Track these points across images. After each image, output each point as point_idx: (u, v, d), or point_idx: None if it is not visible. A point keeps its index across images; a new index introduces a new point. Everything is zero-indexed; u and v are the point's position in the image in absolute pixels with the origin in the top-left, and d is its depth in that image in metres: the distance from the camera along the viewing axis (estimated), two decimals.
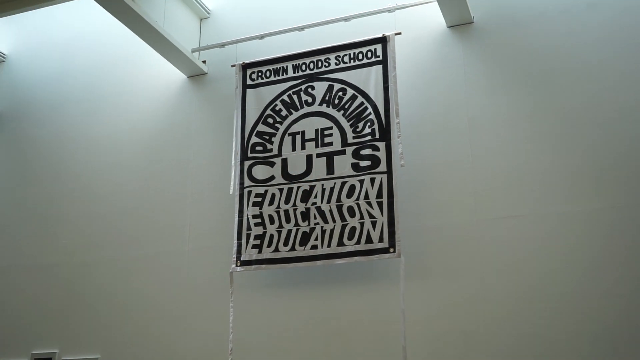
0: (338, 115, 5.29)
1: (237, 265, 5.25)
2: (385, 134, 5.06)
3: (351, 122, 5.22)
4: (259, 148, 5.49)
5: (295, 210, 5.20)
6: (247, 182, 5.42)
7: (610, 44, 4.91)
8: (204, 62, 6.24)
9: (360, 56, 5.35)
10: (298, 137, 5.39)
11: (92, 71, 6.81)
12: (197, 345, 5.51)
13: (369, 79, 5.25)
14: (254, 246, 5.23)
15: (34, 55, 7.20)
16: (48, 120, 6.88)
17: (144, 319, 5.80)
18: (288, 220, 5.20)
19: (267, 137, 5.49)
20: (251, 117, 5.60)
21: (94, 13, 6.38)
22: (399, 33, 5.26)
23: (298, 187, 5.24)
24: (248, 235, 5.28)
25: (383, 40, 5.26)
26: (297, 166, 5.30)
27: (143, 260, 5.99)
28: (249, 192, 5.38)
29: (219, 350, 5.32)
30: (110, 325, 5.92)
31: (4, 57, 7.32)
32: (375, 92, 5.20)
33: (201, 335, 5.52)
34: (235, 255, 5.26)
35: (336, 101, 5.33)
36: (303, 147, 5.34)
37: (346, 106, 5.28)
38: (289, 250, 5.13)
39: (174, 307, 5.73)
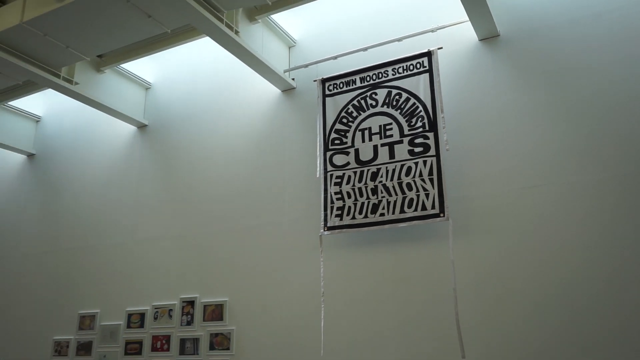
0: (396, 113, 5.43)
1: (324, 230, 5.48)
2: (433, 126, 5.19)
3: (406, 118, 5.36)
4: (337, 142, 5.68)
5: (366, 187, 5.37)
6: (329, 167, 5.64)
7: (612, 48, 4.88)
8: (293, 79, 6.46)
9: (411, 67, 5.46)
10: (366, 132, 5.55)
11: (212, 91, 7.11)
12: (297, 290, 5.77)
13: (418, 85, 5.37)
14: (336, 215, 5.44)
15: (171, 82, 7.52)
16: (182, 130, 7.22)
17: (258, 271, 6.08)
18: (361, 195, 5.38)
19: (343, 133, 5.68)
20: (330, 119, 5.80)
21: (211, 48, 6.75)
22: (441, 47, 5.41)
23: (368, 170, 5.41)
24: (332, 208, 5.49)
25: (428, 54, 5.39)
26: (366, 154, 5.48)
27: (255, 228, 6.25)
28: (331, 175, 5.60)
29: (313, 294, 5.61)
30: (234, 276, 6.22)
31: (150, 85, 7.68)
32: (424, 94, 5.32)
33: (300, 283, 5.78)
34: (322, 223, 5.50)
35: (394, 103, 5.47)
36: (370, 139, 5.50)
37: (402, 106, 5.41)
38: (363, 218, 5.30)
39: (279, 262, 5.98)
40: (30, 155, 8.71)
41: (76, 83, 6.62)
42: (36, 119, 8.78)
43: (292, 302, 5.77)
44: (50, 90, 7.46)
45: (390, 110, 5.46)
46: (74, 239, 7.71)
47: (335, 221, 5.43)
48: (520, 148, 5.05)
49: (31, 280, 7.95)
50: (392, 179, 5.25)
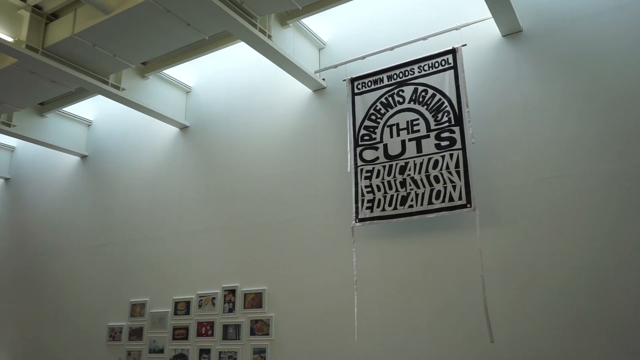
0: (422, 109, 5.45)
1: (356, 222, 5.56)
2: (458, 120, 5.20)
3: (432, 113, 5.38)
4: (366, 137, 5.73)
5: (395, 180, 5.42)
6: (359, 162, 5.70)
7: (635, 40, 4.77)
8: (323, 79, 6.54)
9: (436, 64, 5.47)
10: (394, 128, 5.58)
11: (248, 92, 7.23)
12: (332, 278, 5.87)
13: (444, 81, 5.38)
14: (367, 207, 5.51)
15: (209, 86, 7.69)
16: (220, 129, 7.37)
17: (295, 260, 6.20)
18: (390, 188, 5.43)
19: (372, 129, 5.72)
20: (359, 116, 5.85)
21: (246, 52, 6.87)
22: (465, 45, 5.41)
23: (396, 164, 5.46)
24: (362, 200, 5.56)
25: (453, 52, 5.40)
26: (394, 149, 5.53)
27: (290, 220, 6.36)
28: (361, 170, 5.66)
29: (347, 282, 5.70)
30: (272, 265, 6.37)
31: (190, 89, 7.87)
32: (449, 90, 5.33)
33: (334, 271, 5.87)
34: (354, 215, 5.58)
35: (420, 99, 5.49)
36: (398, 135, 5.53)
37: (428, 102, 5.43)
38: (393, 210, 5.36)
39: (314, 252, 6.08)
40: (83, 157, 9.06)
41: (123, 89, 6.88)
42: (88, 123, 9.13)
43: (326, 289, 5.87)
44: (99, 96, 7.73)
45: (417, 107, 5.48)
46: (124, 233, 8.01)
47: (366, 213, 5.50)
48: (544, 139, 5.01)
49: (86, 271, 8.30)
50: (419, 172, 5.28)
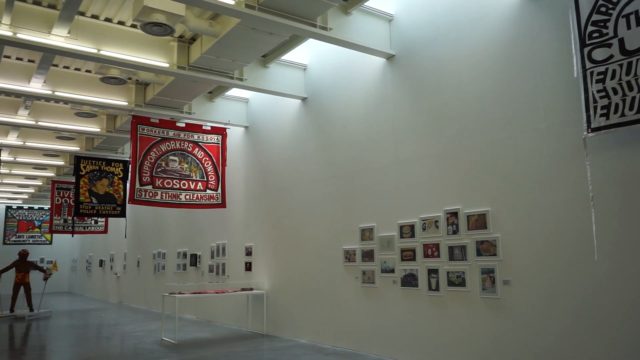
0: None
1: (588, 132, 5.04)
2: None
3: None
4: (595, 34, 5.02)
5: (636, 79, 4.67)
6: (588, 64, 5.05)
7: None
8: None
9: None
10: (632, 17, 4.75)
11: (452, 10, 6.91)
12: (562, 196, 5.48)
13: None
14: (601, 115, 4.91)
15: (411, 10, 7.55)
16: (427, 52, 7.25)
17: (519, 179, 5.92)
18: (631, 89, 4.71)
19: (602, 24, 4.97)
20: (585, 10, 5.11)
21: None
22: None
23: (637, 60, 4.68)
24: (595, 107, 4.97)
25: None
26: (634, 42, 4.73)
27: (512, 137, 6.03)
28: (591, 73, 5.02)
29: (580, 198, 5.28)
30: (494, 185, 6.18)
31: (392, 17, 7.85)
32: None
33: (564, 188, 5.47)
34: (585, 125, 5.05)
35: None
36: (637, 25, 4.69)
37: None
38: (635, 114, 4.67)
39: (540, 169, 5.71)
40: (304, 99, 9.90)
41: (330, 29, 7.20)
42: (303, 68, 9.88)
43: (557, 207, 5.52)
44: (310, 40, 8.25)
45: None
46: (347, 165, 8.64)
47: (601, 121, 4.92)
48: None
49: (320, 201, 9.26)
50: None
